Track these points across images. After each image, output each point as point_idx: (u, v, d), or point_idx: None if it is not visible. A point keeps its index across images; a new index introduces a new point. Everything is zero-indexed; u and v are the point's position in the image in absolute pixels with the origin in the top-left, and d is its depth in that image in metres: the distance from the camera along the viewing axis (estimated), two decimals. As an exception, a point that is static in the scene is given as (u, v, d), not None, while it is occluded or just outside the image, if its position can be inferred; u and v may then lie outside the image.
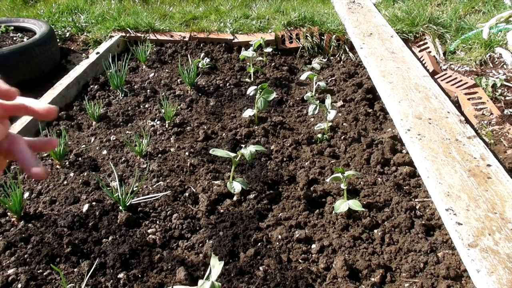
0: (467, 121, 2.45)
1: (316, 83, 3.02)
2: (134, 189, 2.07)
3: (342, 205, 1.89)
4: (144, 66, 3.70)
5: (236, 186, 2.06)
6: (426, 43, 3.64)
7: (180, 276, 1.65)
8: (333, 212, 1.95)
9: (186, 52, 3.87)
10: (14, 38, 3.89)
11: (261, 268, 1.70)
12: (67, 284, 1.65)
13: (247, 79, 3.37)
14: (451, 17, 3.92)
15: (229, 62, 3.69)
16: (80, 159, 2.47)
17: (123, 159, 2.43)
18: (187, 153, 2.46)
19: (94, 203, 2.08)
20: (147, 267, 1.72)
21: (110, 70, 3.20)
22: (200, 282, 1.34)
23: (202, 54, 3.70)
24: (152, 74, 3.54)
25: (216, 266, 1.34)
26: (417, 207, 2.00)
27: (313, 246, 1.82)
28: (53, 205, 2.11)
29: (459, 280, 1.62)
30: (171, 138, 2.63)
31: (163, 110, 2.78)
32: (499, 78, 2.93)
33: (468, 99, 2.75)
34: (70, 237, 1.83)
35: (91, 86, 3.32)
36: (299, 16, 4.00)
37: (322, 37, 3.84)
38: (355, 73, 3.35)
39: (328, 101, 2.49)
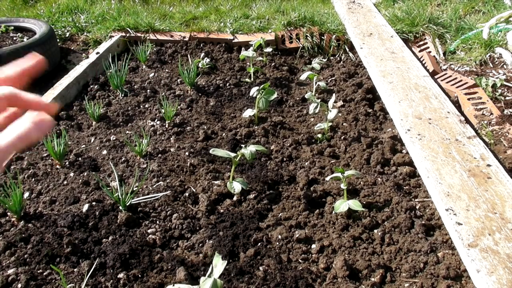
0: (467, 121, 2.46)
1: (316, 83, 3.02)
2: (134, 189, 2.07)
3: (342, 205, 1.89)
4: (144, 66, 3.70)
5: (236, 186, 2.06)
6: (426, 43, 3.64)
7: (180, 276, 1.65)
8: (333, 212, 1.95)
9: (186, 52, 3.87)
10: (14, 38, 3.89)
11: (261, 268, 1.70)
12: (67, 284, 1.65)
13: (247, 79, 3.37)
14: (451, 17, 3.92)
15: (229, 62, 3.69)
16: (80, 159, 2.47)
17: (123, 159, 2.43)
18: (187, 153, 2.46)
19: (94, 203, 2.08)
20: (147, 267, 1.72)
21: (110, 70, 3.20)
22: (202, 279, 1.34)
23: (202, 54, 3.70)
24: (152, 74, 3.54)
25: (219, 265, 1.34)
26: (417, 207, 2.00)
27: (313, 246, 1.82)
28: (53, 205, 2.11)
29: (459, 280, 1.62)
30: (171, 138, 2.63)
31: (163, 110, 2.78)
32: (499, 78, 2.93)
33: (468, 99, 2.75)
34: (70, 237, 1.83)
35: (91, 86, 3.32)
36: (299, 16, 4.00)
37: (322, 37, 3.84)
38: (355, 73, 3.35)
39: (331, 100, 2.49)
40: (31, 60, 0.62)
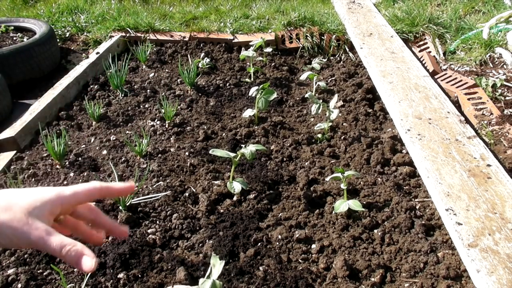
0: (467, 121, 2.46)
1: (316, 83, 3.02)
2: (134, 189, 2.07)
3: (342, 205, 1.89)
4: (144, 66, 3.70)
5: (236, 186, 2.06)
6: (426, 43, 3.64)
7: (180, 276, 1.65)
8: (333, 212, 1.95)
9: (186, 52, 3.87)
10: (14, 38, 3.89)
11: (261, 268, 1.70)
12: (67, 284, 1.65)
13: (247, 79, 3.37)
14: (451, 17, 3.92)
15: (229, 62, 3.69)
16: (80, 159, 2.47)
17: (123, 159, 2.43)
18: (187, 153, 2.46)
19: (94, 203, 2.08)
20: (147, 267, 1.72)
21: (110, 70, 3.20)
22: (201, 280, 1.34)
23: (202, 54, 3.70)
24: (152, 74, 3.54)
25: (217, 265, 1.34)
26: (417, 207, 2.00)
27: (313, 246, 1.82)
28: (53, 205, 2.11)
29: (459, 280, 1.62)
30: (171, 138, 2.63)
31: (163, 110, 2.78)
32: (499, 78, 2.93)
33: (468, 99, 2.75)
34: (70, 237, 1.83)
35: (91, 86, 3.32)
36: (299, 16, 4.00)
37: (322, 37, 3.84)
38: (355, 73, 3.35)
39: (333, 100, 2.49)
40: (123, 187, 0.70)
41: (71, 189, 0.60)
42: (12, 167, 2.44)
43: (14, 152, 2.56)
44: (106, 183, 0.63)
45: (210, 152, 2.04)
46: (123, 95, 3.19)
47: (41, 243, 0.55)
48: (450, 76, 3.08)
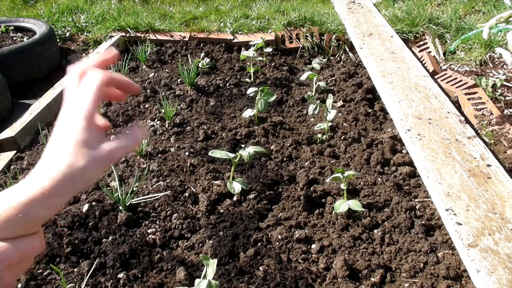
0: (467, 121, 2.46)
1: (316, 83, 3.02)
2: (134, 189, 2.07)
3: (342, 205, 1.89)
4: (144, 66, 3.70)
5: (236, 186, 2.06)
6: (426, 43, 3.64)
7: (180, 276, 1.65)
8: (333, 212, 1.95)
9: (186, 52, 3.87)
10: (14, 38, 3.89)
11: (261, 268, 1.70)
12: (67, 284, 1.65)
13: (247, 79, 3.37)
14: (451, 17, 3.92)
15: (229, 62, 3.69)
16: (80, 159, 2.46)
17: (123, 159, 2.43)
18: (187, 153, 2.46)
19: (94, 203, 2.08)
20: (147, 267, 1.72)
21: (110, 70, 3.19)
22: (196, 281, 1.34)
23: (202, 54, 3.70)
24: (152, 74, 3.54)
25: (210, 264, 1.34)
26: (417, 207, 2.00)
27: (313, 246, 1.82)
28: (53, 205, 2.10)
29: (459, 280, 1.62)
30: (171, 138, 2.63)
31: (163, 110, 2.78)
32: (499, 78, 2.93)
33: (468, 99, 2.75)
34: (70, 237, 1.83)
35: (91, 86, 3.32)
36: (299, 16, 4.00)
37: (322, 37, 3.84)
38: (355, 73, 3.35)
39: (329, 100, 2.49)
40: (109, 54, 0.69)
41: (88, 101, 0.58)
42: (12, 167, 2.44)
43: (14, 152, 2.56)
44: (107, 73, 0.64)
45: (210, 153, 2.05)
46: (123, 95, 3.19)
47: (117, 156, 0.58)
48: (450, 76, 3.08)
